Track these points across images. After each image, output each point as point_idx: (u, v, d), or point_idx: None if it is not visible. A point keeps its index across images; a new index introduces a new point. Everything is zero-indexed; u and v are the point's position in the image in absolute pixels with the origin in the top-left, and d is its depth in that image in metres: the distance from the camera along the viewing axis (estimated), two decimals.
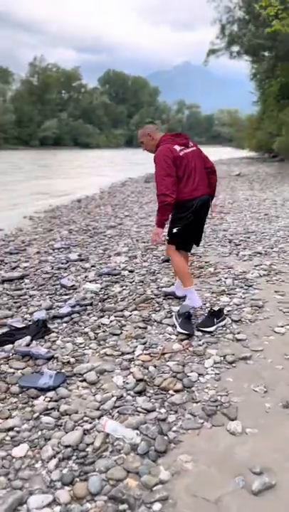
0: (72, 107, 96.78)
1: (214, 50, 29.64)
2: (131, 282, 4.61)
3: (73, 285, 4.54)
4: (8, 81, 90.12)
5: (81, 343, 3.26)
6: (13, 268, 5.44)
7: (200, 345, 3.17)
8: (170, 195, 3.39)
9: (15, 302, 4.23)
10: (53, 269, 5.29)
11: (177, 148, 3.48)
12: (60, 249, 6.27)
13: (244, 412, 2.37)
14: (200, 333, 3.34)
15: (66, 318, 3.70)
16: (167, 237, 3.77)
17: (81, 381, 2.73)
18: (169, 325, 3.51)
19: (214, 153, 24.46)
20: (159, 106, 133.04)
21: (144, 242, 6.46)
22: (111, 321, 3.62)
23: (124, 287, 4.45)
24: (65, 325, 3.61)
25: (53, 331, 3.46)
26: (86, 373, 2.79)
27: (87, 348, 3.20)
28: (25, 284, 4.78)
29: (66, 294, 4.35)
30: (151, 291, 4.26)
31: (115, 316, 3.71)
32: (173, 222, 3.64)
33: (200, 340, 3.25)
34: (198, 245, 4.07)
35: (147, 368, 2.84)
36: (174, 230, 3.62)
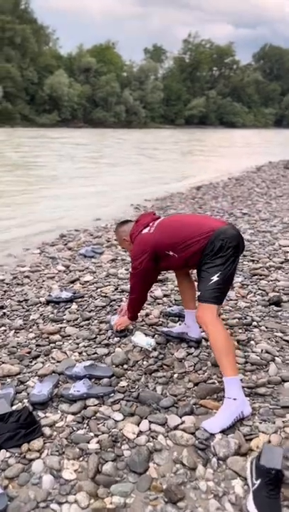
0: (222, 84, 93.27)
1: None
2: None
3: (123, 330, 3.12)
4: (160, 59, 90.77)
5: (69, 481, 1.85)
6: (73, 281, 4.25)
7: None
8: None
9: (38, 345, 3.01)
10: (116, 290, 3.95)
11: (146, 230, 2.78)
12: None
13: None
14: None
15: (75, 407, 2.31)
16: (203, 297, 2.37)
17: None
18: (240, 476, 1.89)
19: None
20: None
21: (252, 261, 4.71)
22: (140, 433, 2.12)
23: (191, 350, 2.88)
24: (69, 419, 2.23)
25: (43, 435, 2.11)
26: None
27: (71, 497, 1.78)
28: (70, 313, 3.54)
29: (107, 345, 2.97)
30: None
31: (150, 421, 2.18)
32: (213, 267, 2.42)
33: None
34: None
35: None
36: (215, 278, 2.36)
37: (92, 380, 2.55)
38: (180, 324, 3.14)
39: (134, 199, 9.16)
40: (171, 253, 2.56)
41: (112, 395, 2.37)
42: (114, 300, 3.71)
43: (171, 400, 2.29)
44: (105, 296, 3.81)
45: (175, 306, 3.44)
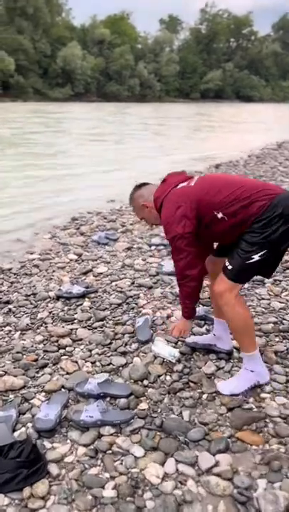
0: (239, 56, 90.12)
1: None
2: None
3: (147, 340, 2.73)
4: (176, 30, 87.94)
5: None
6: (85, 273, 3.87)
7: None
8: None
9: (45, 351, 2.66)
10: (132, 285, 3.57)
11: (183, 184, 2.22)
12: (159, 246, 4.48)
13: None
14: None
15: (87, 437, 1.95)
16: (230, 273, 2.06)
17: None
18: None
19: None
20: None
21: None
22: (165, 475, 1.73)
23: (221, 363, 2.48)
24: (81, 452, 1.88)
25: (48, 474, 1.76)
26: None
27: None
28: (82, 311, 3.17)
29: (124, 354, 2.60)
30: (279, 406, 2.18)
31: (177, 460, 1.79)
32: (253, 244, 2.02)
33: None
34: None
35: None
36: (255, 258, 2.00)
37: (107, 398, 2.20)
38: (203, 328, 2.77)
39: (149, 178, 8.66)
40: (219, 215, 2.02)
41: (131, 421, 2.01)
42: (130, 297, 3.33)
43: (201, 432, 1.92)
44: (121, 292, 3.43)
45: (201, 307, 3.04)
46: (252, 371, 2.14)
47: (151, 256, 4.21)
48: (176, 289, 3.36)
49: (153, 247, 4.44)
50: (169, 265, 3.79)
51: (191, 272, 2.10)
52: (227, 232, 2.08)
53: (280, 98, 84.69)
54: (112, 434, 1.95)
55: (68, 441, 1.94)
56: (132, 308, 3.15)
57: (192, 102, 66.75)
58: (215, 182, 2.12)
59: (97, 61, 61.92)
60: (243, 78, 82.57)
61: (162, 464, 1.78)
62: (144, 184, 2.42)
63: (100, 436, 1.95)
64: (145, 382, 2.30)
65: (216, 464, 1.76)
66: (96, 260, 4.17)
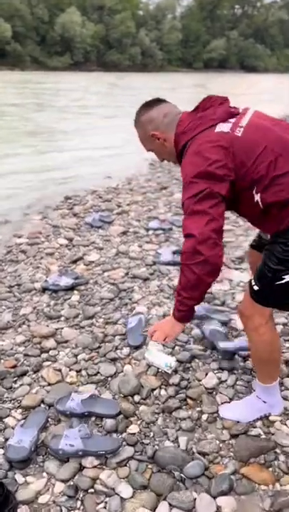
0: (245, 24, 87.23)
1: None
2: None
3: (138, 345, 2.42)
4: None
5: None
6: (75, 261, 3.54)
7: None
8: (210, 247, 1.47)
9: (26, 355, 2.36)
10: (126, 276, 3.25)
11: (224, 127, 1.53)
12: (157, 231, 4.13)
13: None
14: None
15: (66, 470, 1.65)
16: (256, 295, 1.59)
17: None
18: None
19: None
20: None
21: None
22: None
23: (223, 374, 2.17)
24: (58, 489, 1.60)
25: None
26: None
27: None
28: (70, 306, 2.86)
29: (114, 360, 2.30)
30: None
31: (171, 505, 1.50)
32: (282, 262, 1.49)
33: None
34: None
35: None
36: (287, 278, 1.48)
37: (93, 418, 1.91)
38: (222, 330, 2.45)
39: (148, 154, 8.22)
40: (256, 196, 1.48)
41: (119, 450, 1.72)
42: (124, 290, 3.02)
43: (200, 465, 1.63)
44: (113, 284, 3.11)
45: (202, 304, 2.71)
46: (264, 402, 1.80)
47: (148, 242, 3.87)
48: (175, 281, 3.06)
49: (150, 232, 4.10)
50: (167, 254, 3.46)
51: (208, 249, 1.44)
52: (253, 221, 1.63)
53: (284, 68, 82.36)
54: (95, 467, 1.66)
55: (44, 474, 1.66)
56: (125, 305, 2.83)
57: (195, 72, 64.82)
58: (270, 143, 1.46)
59: (97, 28, 59.90)
60: (247, 47, 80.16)
61: (153, 509, 1.50)
62: (157, 101, 1.73)
63: (81, 468, 1.67)
64: (136, 397, 2.01)
65: (218, 510, 1.48)
66: (88, 246, 3.83)
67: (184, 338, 2.40)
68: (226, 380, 2.09)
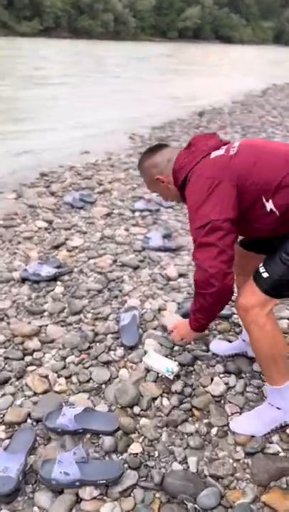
0: None
1: None
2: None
3: (134, 345, 2.19)
4: None
5: None
6: (57, 246, 3.25)
7: None
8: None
9: (7, 358, 2.09)
10: (114, 264, 2.99)
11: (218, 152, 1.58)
12: (144, 212, 3.86)
13: None
14: None
15: (60, 504, 1.41)
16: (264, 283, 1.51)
17: None
18: None
19: None
20: None
21: None
22: None
23: (230, 379, 1.97)
24: None
25: None
26: None
27: None
28: (53, 299, 2.59)
29: (108, 364, 2.06)
30: None
31: None
32: None
33: None
34: None
35: None
36: None
37: (88, 435, 1.68)
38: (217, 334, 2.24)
39: (126, 127, 7.83)
40: (269, 204, 1.45)
41: (122, 478, 1.50)
42: (113, 280, 2.76)
43: (215, 493, 1.43)
44: (101, 273, 2.85)
45: None
46: (278, 408, 1.62)
47: (134, 225, 3.60)
48: (168, 270, 2.83)
49: (137, 213, 3.82)
50: (156, 238, 3.21)
51: (219, 281, 1.44)
52: (272, 231, 1.52)
53: (259, 40, 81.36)
54: (95, 498, 1.44)
55: (36, 508, 1.43)
56: (116, 297, 2.58)
57: (169, 42, 63.15)
58: (267, 153, 1.51)
59: None
60: (222, 17, 78.31)
61: None
62: (159, 147, 1.78)
63: (78, 500, 1.44)
64: (136, 409, 1.79)
65: None
66: (70, 229, 3.53)
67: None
68: (234, 386, 1.89)
